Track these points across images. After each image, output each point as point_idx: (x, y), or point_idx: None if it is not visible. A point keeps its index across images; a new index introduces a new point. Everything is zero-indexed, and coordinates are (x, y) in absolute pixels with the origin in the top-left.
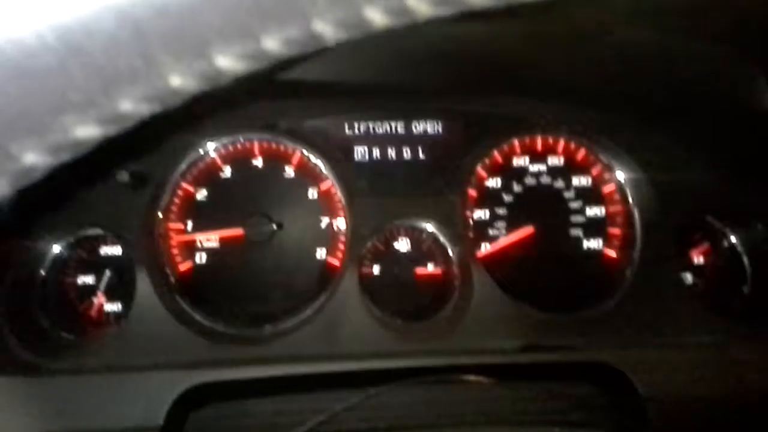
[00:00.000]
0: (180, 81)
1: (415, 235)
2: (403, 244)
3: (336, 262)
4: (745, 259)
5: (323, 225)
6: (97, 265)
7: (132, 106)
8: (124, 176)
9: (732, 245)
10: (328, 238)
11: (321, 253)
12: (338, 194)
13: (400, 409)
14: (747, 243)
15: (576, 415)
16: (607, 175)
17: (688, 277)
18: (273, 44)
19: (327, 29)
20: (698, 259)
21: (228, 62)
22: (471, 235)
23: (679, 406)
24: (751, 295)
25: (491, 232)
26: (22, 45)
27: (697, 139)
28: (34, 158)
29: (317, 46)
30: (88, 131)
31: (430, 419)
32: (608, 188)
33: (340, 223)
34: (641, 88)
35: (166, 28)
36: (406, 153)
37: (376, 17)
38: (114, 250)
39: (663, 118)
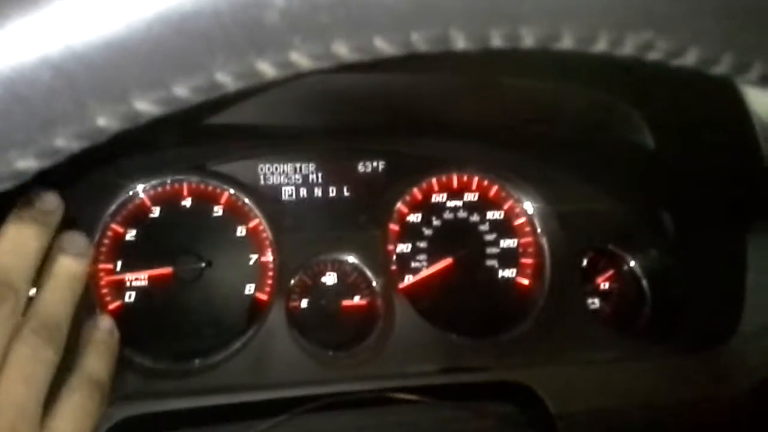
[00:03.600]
0: (105, 121)
1: (341, 269)
2: (329, 278)
3: (264, 297)
4: (644, 282)
5: (252, 261)
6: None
7: (65, 142)
8: None
9: (632, 269)
10: (257, 273)
11: (249, 288)
12: (266, 231)
13: None
14: (645, 267)
15: None
16: (517, 209)
17: (596, 301)
18: (182, 91)
19: (227, 80)
20: (604, 285)
21: (145, 106)
22: (394, 267)
23: (585, 419)
24: (650, 315)
25: (413, 264)
26: None
27: (595, 173)
28: None
29: (221, 93)
30: (27, 164)
31: None
32: (519, 221)
33: (269, 259)
34: (541, 128)
35: (93, 79)
36: (332, 191)
37: (267, 70)
38: None
39: (564, 155)
